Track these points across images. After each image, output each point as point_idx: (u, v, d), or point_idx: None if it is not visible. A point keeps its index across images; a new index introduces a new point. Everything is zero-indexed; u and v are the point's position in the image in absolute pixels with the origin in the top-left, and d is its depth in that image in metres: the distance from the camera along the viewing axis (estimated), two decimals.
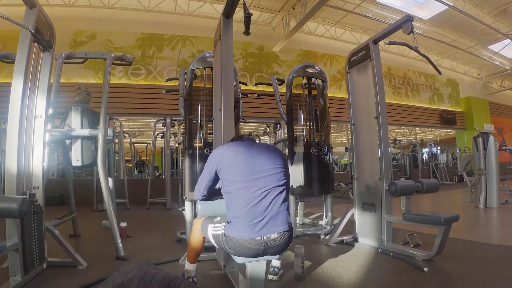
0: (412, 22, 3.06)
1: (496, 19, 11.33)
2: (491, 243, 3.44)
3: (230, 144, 1.98)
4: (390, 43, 3.59)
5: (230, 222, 1.80)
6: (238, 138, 2.08)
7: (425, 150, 14.59)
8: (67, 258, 2.75)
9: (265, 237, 1.72)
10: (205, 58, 3.71)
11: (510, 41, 12.37)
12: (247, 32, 2.33)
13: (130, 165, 11.46)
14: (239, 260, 1.82)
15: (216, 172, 1.91)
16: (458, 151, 13.75)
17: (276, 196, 1.78)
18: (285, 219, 1.79)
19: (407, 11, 10.53)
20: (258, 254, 1.75)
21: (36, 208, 2.43)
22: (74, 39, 9.24)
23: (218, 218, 1.94)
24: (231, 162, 1.84)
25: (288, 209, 1.85)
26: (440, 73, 3.83)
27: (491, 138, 6.11)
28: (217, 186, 2.05)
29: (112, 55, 3.47)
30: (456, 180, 12.39)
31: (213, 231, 1.89)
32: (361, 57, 3.58)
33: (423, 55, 3.62)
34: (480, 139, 6.14)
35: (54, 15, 2.90)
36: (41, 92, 2.74)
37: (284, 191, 1.84)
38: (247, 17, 2.29)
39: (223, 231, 1.83)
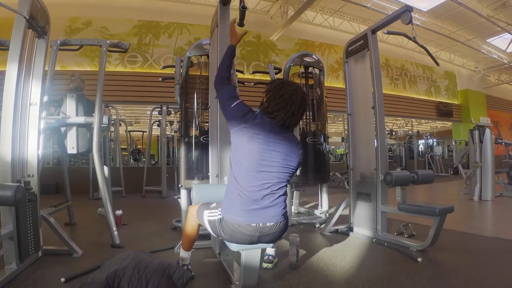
0: (411, 13, 3.03)
1: (496, 12, 11.28)
2: (485, 235, 3.47)
3: (263, 117, 1.80)
4: (389, 32, 3.56)
5: (228, 200, 1.79)
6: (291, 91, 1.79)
7: (421, 141, 14.66)
8: (62, 246, 2.75)
9: (260, 224, 1.72)
10: (201, 46, 3.67)
11: (510, 35, 12.34)
12: (241, 23, 2.31)
13: (126, 153, 11.42)
14: (234, 247, 1.83)
15: (235, 117, 1.78)
16: (454, 143, 13.83)
17: (277, 189, 1.77)
18: (282, 211, 1.79)
19: (407, 1, 10.45)
20: (252, 241, 1.76)
21: (31, 196, 2.42)
22: (69, 26, 9.10)
23: (214, 204, 1.94)
24: (247, 139, 1.73)
25: (285, 201, 1.84)
26: (438, 64, 3.83)
27: (487, 131, 6.12)
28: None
29: (108, 42, 3.41)
30: (452, 172, 12.47)
31: (209, 216, 1.89)
32: (359, 46, 3.54)
33: (421, 46, 3.60)
34: (476, 132, 6.15)
35: (49, 1, 2.83)
36: (35, 79, 2.70)
37: (286, 186, 1.83)
38: (242, 10, 2.26)
39: (219, 216, 1.82)
